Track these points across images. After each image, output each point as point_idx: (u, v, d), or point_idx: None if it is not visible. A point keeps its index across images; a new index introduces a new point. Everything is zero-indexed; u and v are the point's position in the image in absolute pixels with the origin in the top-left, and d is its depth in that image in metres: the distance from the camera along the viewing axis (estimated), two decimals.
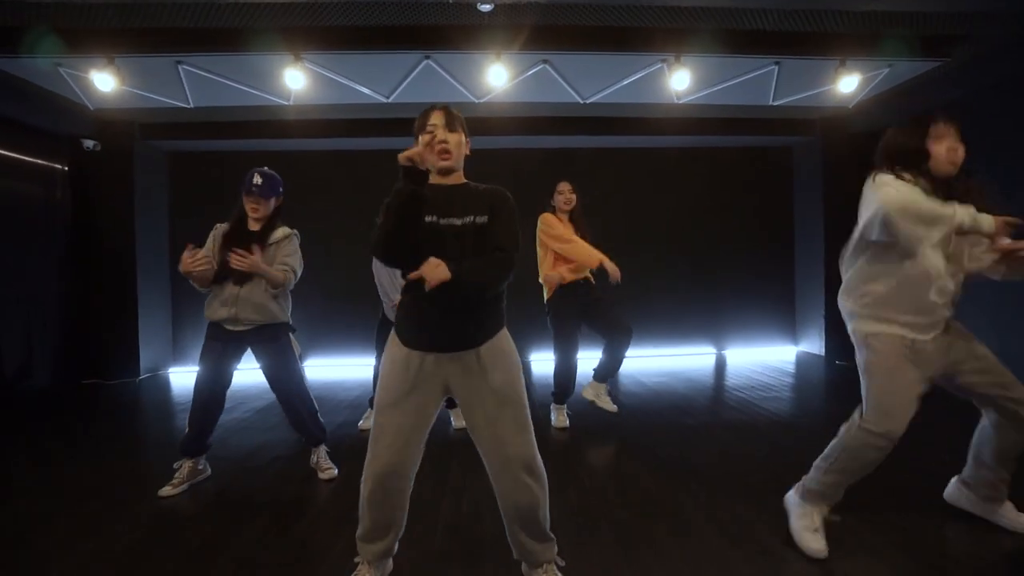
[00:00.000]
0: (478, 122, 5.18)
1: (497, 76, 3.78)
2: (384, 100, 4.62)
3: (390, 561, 1.67)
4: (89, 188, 5.28)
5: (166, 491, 2.43)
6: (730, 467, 2.65)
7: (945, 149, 1.69)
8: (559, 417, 3.43)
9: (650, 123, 5.36)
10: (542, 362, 5.80)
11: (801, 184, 6.09)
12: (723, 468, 2.64)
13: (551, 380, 3.47)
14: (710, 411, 3.80)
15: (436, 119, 1.55)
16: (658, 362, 5.77)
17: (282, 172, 5.19)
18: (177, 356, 5.91)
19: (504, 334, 1.59)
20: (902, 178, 1.70)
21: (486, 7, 3.19)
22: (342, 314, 5.71)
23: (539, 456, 1.54)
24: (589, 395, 3.47)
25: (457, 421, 3.38)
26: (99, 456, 3.06)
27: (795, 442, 3.01)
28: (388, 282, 3.03)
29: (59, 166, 5.15)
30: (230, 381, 2.57)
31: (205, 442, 2.57)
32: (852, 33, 3.82)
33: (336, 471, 2.64)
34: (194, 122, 5.16)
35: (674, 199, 6.15)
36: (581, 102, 4.76)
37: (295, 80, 3.72)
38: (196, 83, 4.19)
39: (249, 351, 2.55)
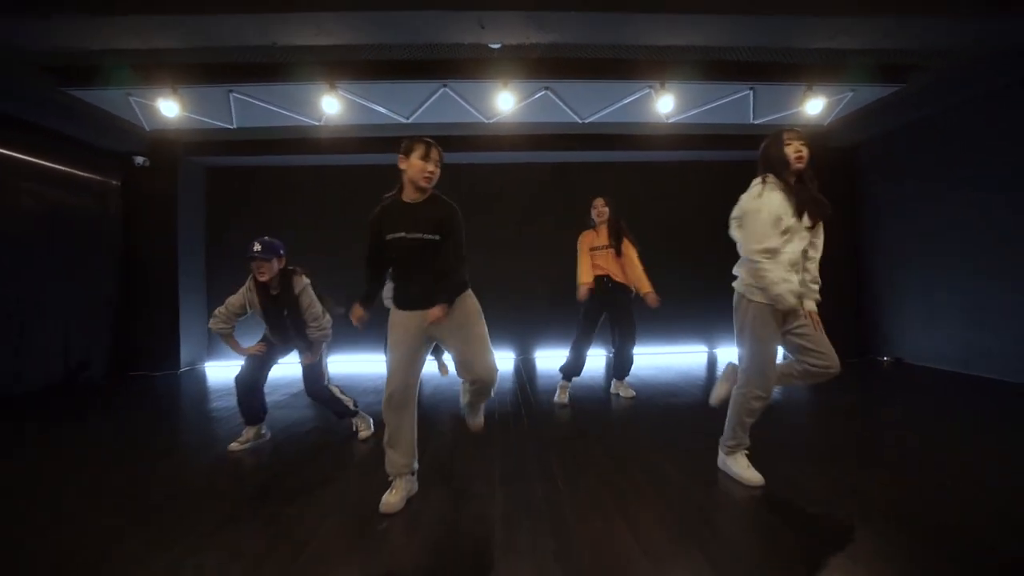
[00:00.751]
0: (490, 139, 5.78)
1: (505, 102, 4.34)
2: (404, 120, 5.20)
3: (415, 483, 2.24)
4: (138, 200, 5.90)
5: (233, 447, 2.96)
6: (706, 429, 3.13)
7: (793, 151, 2.21)
8: (561, 394, 3.99)
9: (643, 139, 5.90)
10: (545, 358, 6.31)
11: None
12: (701, 433, 3.12)
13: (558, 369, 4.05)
14: (695, 394, 4.27)
15: (436, 156, 2.13)
16: (653, 359, 6.23)
17: (311, 184, 5.97)
18: (212, 352, 6.47)
19: (464, 295, 2.19)
20: (767, 181, 2.25)
21: (495, 45, 3.75)
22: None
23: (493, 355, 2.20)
24: (615, 390, 4.21)
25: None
26: (157, 432, 3.59)
27: (767, 418, 3.48)
28: None
29: (113, 181, 5.78)
30: (269, 373, 3.17)
31: (259, 414, 3.10)
32: (816, 63, 4.34)
33: (371, 429, 3.21)
34: (232, 140, 5.77)
35: (668, 209, 6.66)
36: (580, 122, 5.32)
37: (331, 106, 4.31)
38: (242, 107, 4.80)
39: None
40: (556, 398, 3.97)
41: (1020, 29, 3.30)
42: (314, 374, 3.13)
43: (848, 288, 6.06)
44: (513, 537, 1.88)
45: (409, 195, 2.14)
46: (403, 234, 2.09)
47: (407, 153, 2.12)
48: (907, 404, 3.88)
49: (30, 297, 4.70)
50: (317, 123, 5.18)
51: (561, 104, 4.86)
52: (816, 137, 5.95)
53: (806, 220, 2.22)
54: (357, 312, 2.22)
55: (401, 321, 2.18)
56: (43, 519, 2.13)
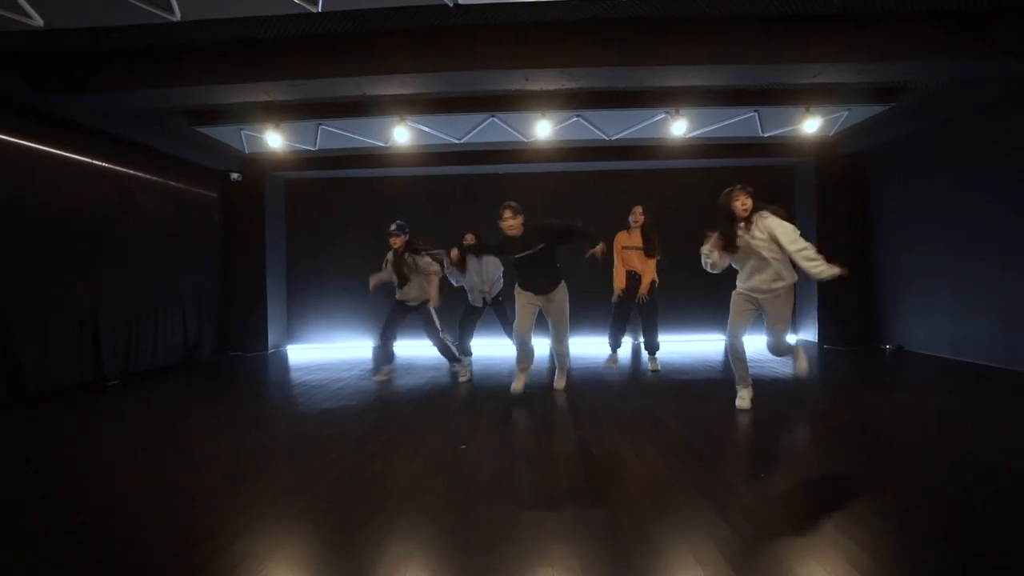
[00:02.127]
0: (529, 153, 6.65)
1: (543, 129, 5.21)
2: (456, 141, 6.13)
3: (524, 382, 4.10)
4: (233, 210, 7.06)
5: (379, 377, 4.80)
6: (722, 414, 3.97)
7: (739, 204, 3.30)
8: (609, 361, 5.18)
9: (665, 150, 6.63)
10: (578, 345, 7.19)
11: (800, 196, 7.20)
12: (717, 415, 3.95)
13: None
14: (711, 379, 5.07)
15: (506, 213, 3.83)
16: (678, 346, 7.02)
17: (374, 192, 7.07)
18: (292, 336, 7.63)
19: (563, 286, 3.96)
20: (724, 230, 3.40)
21: (536, 88, 4.61)
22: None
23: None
24: (648, 364, 5.21)
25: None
26: (258, 398, 4.68)
27: (772, 398, 4.27)
28: (477, 282, 4.98)
29: (213, 194, 6.95)
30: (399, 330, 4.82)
31: (391, 357, 4.85)
32: (812, 88, 5.01)
33: (469, 376, 4.83)
34: (310, 157, 6.84)
35: (693, 211, 7.33)
36: (607, 139, 6.13)
37: (401, 136, 5.27)
38: (326, 135, 5.84)
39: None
40: (608, 361, 5.20)
41: (967, 67, 3.94)
42: (431, 327, 4.70)
43: (855, 279, 6.63)
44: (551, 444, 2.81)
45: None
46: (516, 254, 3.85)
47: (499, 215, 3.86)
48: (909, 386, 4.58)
49: (158, 291, 5.90)
50: (384, 144, 6.17)
51: (590, 127, 5.69)
52: (825, 146, 6.55)
53: None
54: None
55: (525, 296, 3.92)
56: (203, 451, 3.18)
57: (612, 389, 4.49)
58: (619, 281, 4.90)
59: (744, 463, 2.73)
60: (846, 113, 5.39)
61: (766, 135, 6.06)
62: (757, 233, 3.28)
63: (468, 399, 4.19)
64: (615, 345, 5.15)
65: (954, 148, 5.38)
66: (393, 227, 4.55)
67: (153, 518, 2.12)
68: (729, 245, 3.36)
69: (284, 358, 6.84)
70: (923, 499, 2.14)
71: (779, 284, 3.37)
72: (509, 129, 5.72)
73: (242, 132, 5.66)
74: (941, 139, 5.51)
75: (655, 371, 5.06)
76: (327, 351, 7.32)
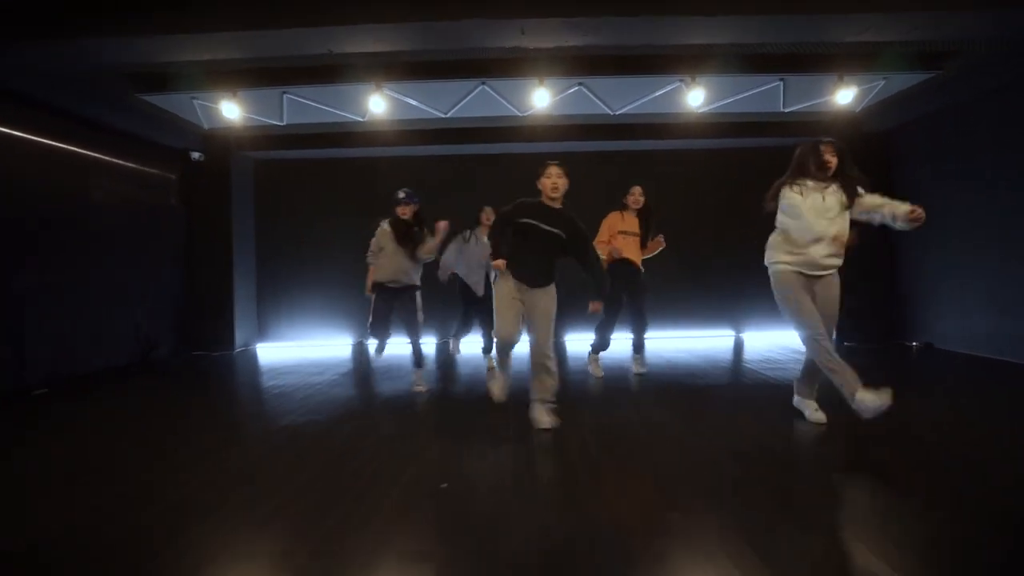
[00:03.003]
0: (527, 131, 6.00)
1: (540, 98, 4.55)
2: (442, 115, 5.46)
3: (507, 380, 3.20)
4: (194, 193, 6.34)
5: (417, 387, 4.09)
6: (727, 408, 3.38)
7: (824, 158, 2.78)
8: (594, 367, 4.47)
9: (673, 128, 6.02)
10: (572, 341, 6.60)
11: None
12: (721, 411, 3.37)
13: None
14: (718, 376, 4.49)
15: (554, 170, 2.95)
16: (681, 342, 6.46)
17: (352, 174, 6.36)
18: (263, 333, 6.95)
19: (552, 286, 3.00)
20: (797, 184, 2.84)
21: (533, 46, 3.95)
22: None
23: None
24: (634, 365, 4.56)
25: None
26: (229, 401, 4.03)
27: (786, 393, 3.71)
28: (465, 270, 4.66)
29: (171, 175, 6.22)
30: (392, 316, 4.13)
31: (384, 342, 4.19)
32: (849, 52, 4.40)
33: (424, 389, 4.05)
34: (281, 135, 6.13)
35: (698, 195, 6.78)
36: (611, 113, 5.48)
37: (378, 106, 4.59)
38: (292, 106, 5.14)
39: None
40: (590, 369, 4.46)
41: None
42: (414, 319, 4.06)
43: (879, 272, 6.10)
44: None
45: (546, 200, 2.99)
46: (537, 223, 2.91)
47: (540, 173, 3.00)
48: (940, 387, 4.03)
49: (107, 283, 5.19)
50: (361, 119, 5.48)
51: (594, 98, 5.04)
52: (848, 125, 5.97)
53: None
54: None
55: (512, 285, 2.95)
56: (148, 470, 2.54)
57: (618, 398, 3.89)
58: (608, 254, 4.17)
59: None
60: (882, 83, 4.79)
61: (787, 110, 5.46)
62: (829, 197, 2.78)
63: (453, 415, 3.57)
64: (602, 346, 4.45)
65: (991, 127, 4.83)
66: (402, 194, 3.95)
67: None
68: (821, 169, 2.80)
69: (253, 358, 6.18)
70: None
71: (838, 261, 2.83)
72: (502, 100, 5.06)
73: (196, 102, 4.94)
74: (976, 115, 4.95)
75: (639, 373, 4.46)
76: (301, 350, 6.66)
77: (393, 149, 6.36)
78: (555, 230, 2.90)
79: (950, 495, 2.08)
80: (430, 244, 3.91)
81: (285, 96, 4.85)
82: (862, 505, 2.13)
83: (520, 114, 5.44)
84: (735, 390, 4.06)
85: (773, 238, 3.02)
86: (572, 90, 4.81)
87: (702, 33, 3.64)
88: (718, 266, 6.75)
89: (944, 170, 5.43)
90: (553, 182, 2.91)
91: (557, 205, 2.95)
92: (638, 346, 4.50)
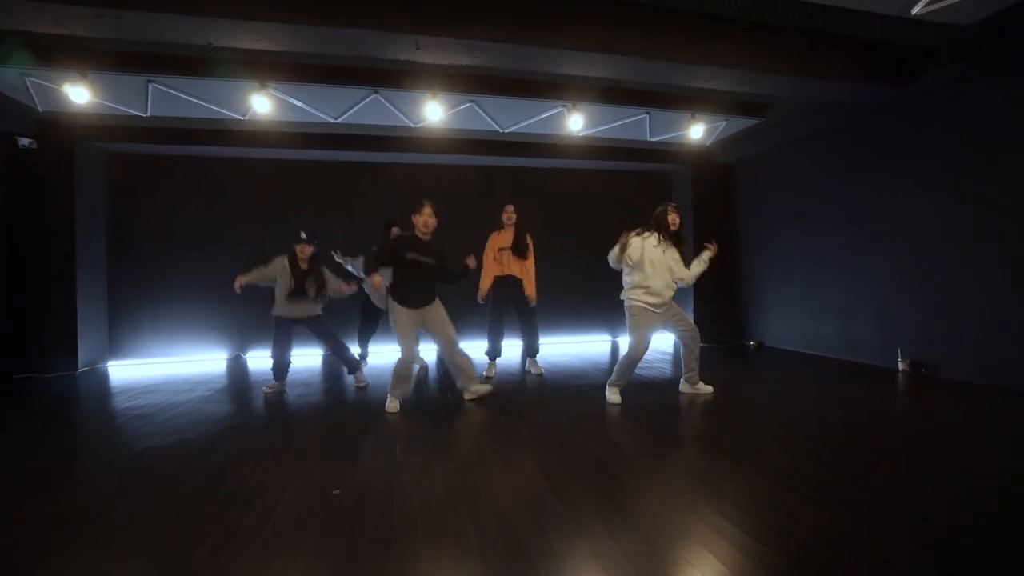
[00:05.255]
0: (418, 142, 6.08)
1: (433, 112, 4.69)
2: (332, 120, 5.34)
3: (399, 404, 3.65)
4: (26, 186, 5.41)
5: (266, 390, 4.34)
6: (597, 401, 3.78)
7: (671, 220, 3.71)
8: (489, 370, 4.77)
9: (557, 149, 6.53)
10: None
11: (676, 201, 7.58)
12: (594, 402, 3.75)
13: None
14: (597, 376, 4.95)
15: (427, 209, 3.56)
16: (563, 347, 6.93)
17: (229, 176, 6.10)
18: (115, 350, 6.10)
19: (437, 299, 3.66)
20: (647, 234, 3.75)
21: (427, 61, 4.09)
22: None
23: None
24: (529, 367, 4.98)
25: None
26: (60, 436, 3.53)
27: (644, 389, 4.23)
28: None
29: None
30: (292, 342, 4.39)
31: (285, 370, 4.36)
32: (700, 96, 5.21)
33: (367, 384, 4.50)
34: (141, 127, 5.49)
35: (579, 210, 7.39)
36: (501, 131, 5.81)
37: (261, 105, 4.37)
38: (160, 97, 4.67)
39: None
40: (486, 373, 4.70)
41: (825, 89, 4.33)
42: (328, 335, 4.34)
43: (726, 283, 7.15)
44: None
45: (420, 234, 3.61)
46: (418, 257, 3.54)
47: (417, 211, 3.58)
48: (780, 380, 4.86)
49: None
50: (242, 118, 5.15)
51: (484, 115, 5.31)
52: (701, 155, 6.97)
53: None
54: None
55: (406, 312, 3.56)
56: None
57: (515, 397, 4.13)
58: (485, 282, 4.65)
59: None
60: (724, 123, 5.71)
61: (654, 139, 6.23)
62: (669, 251, 3.68)
63: (340, 422, 3.51)
64: (494, 353, 4.83)
65: (804, 166, 6.02)
66: (304, 235, 4.17)
67: None
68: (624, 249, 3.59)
69: (102, 379, 5.39)
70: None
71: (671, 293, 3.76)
72: (394, 111, 5.11)
73: (28, 79, 4.25)
74: (792, 155, 6.13)
75: (539, 374, 4.87)
76: (166, 367, 5.96)
77: (276, 151, 6.04)
78: (431, 261, 3.56)
79: (765, 463, 2.59)
80: (336, 285, 4.27)
81: (151, 85, 4.40)
82: (696, 467, 2.56)
83: (412, 125, 5.52)
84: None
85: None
86: (464, 106, 5.02)
87: (581, 66, 4.07)
88: (595, 276, 7.39)
89: (770, 198, 6.59)
90: (425, 220, 3.51)
91: (428, 239, 3.56)
92: (531, 351, 4.88)
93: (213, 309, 6.18)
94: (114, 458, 2.82)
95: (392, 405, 3.61)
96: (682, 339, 3.84)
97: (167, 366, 5.99)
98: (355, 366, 4.48)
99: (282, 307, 4.19)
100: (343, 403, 3.99)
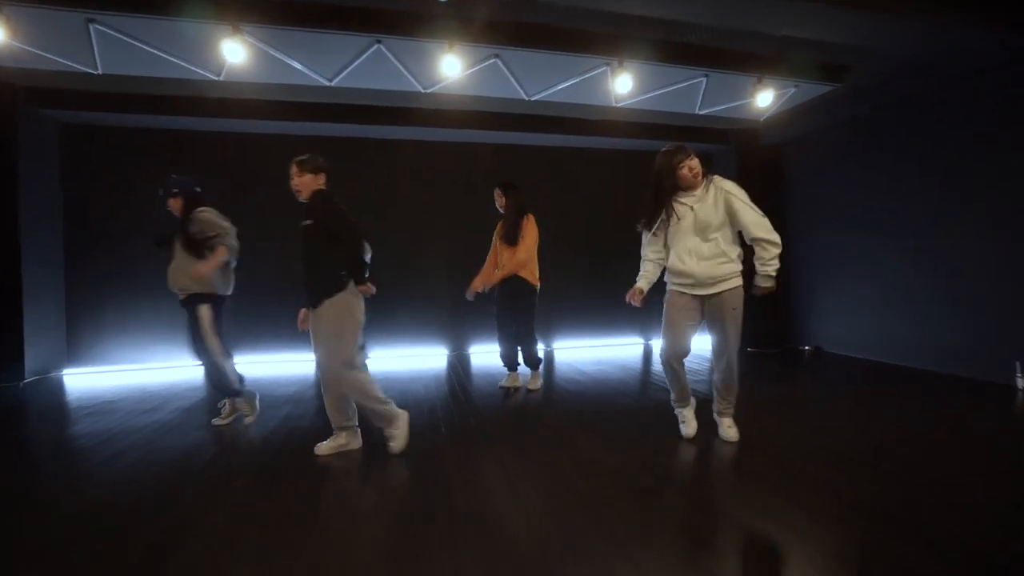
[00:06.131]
0: (429, 114, 5.18)
1: (450, 66, 3.79)
2: (326, 83, 4.43)
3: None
4: None
5: (217, 421, 3.29)
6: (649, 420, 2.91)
7: (687, 168, 2.62)
8: (508, 381, 4.15)
9: (588, 124, 5.64)
10: (480, 354, 5.90)
11: None
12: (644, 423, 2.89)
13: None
14: (641, 391, 4.09)
15: (293, 170, 2.65)
16: (593, 352, 6.07)
17: (205, 154, 5.04)
18: (72, 356, 5.22)
19: (331, 304, 2.52)
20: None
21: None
22: (272, 311, 5.38)
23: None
24: (524, 382, 4.18)
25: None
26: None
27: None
28: None
29: None
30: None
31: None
32: (767, 55, 4.30)
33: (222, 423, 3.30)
34: (99, 91, 4.59)
35: (611, 198, 6.50)
36: (526, 99, 4.90)
37: (234, 53, 3.46)
38: (109, 46, 3.74)
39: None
40: (506, 383, 4.13)
41: (957, 28, 3.43)
42: (198, 335, 3.11)
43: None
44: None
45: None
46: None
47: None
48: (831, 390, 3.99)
49: None
50: (216, 78, 4.24)
51: (509, 76, 4.39)
52: (749, 134, 6.08)
53: None
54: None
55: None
56: None
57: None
58: (476, 279, 4.01)
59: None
60: (793, 90, 4.81)
61: (701, 111, 5.33)
62: (707, 204, 2.62)
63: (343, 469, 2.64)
64: (510, 362, 4.10)
65: (870, 143, 5.16)
66: (162, 192, 3.14)
67: None
68: (652, 222, 2.73)
69: (53, 391, 4.53)
70: None
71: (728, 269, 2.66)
72: (401, 68, 4.19)
73: None
74: (861, 132, 5.25)
75: (531, 390, 4.04)
76: (131, 375, 5.10)
77: (261, 123, 5.14)
78: (307, 221, 2.57)
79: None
80: (202, 266, 2.98)
81: (93, 27, 3.48)
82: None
83: (422, 90, 4.61)
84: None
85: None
86: (487, 62, 4.11)
87: (639, 3, 3.18)
88: (625, 274, 6.50)
89: (829, 178, 5.71)
90: (292, 181, 2.65)
91: (304, 199, 2.65)
92: (527, 361, 4.06)
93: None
94: (13, 531, 1.94)
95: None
96: (712, 347, 2.76)
97: (134, 374, 5.12)
98: (232, 388, 3.25)
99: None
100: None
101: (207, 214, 3.07)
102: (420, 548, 1.78)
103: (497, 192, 3.93)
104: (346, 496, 2.25)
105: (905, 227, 4.85)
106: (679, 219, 2.63)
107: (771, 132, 5.97)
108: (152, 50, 3.79)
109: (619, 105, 5.07)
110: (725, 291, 2.63)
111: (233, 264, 3.20)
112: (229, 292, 3.22)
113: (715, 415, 2.89)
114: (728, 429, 2.81)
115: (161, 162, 5.27)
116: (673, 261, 2.68)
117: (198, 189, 3.16)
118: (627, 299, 2.81)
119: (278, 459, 2.68)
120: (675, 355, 2.72)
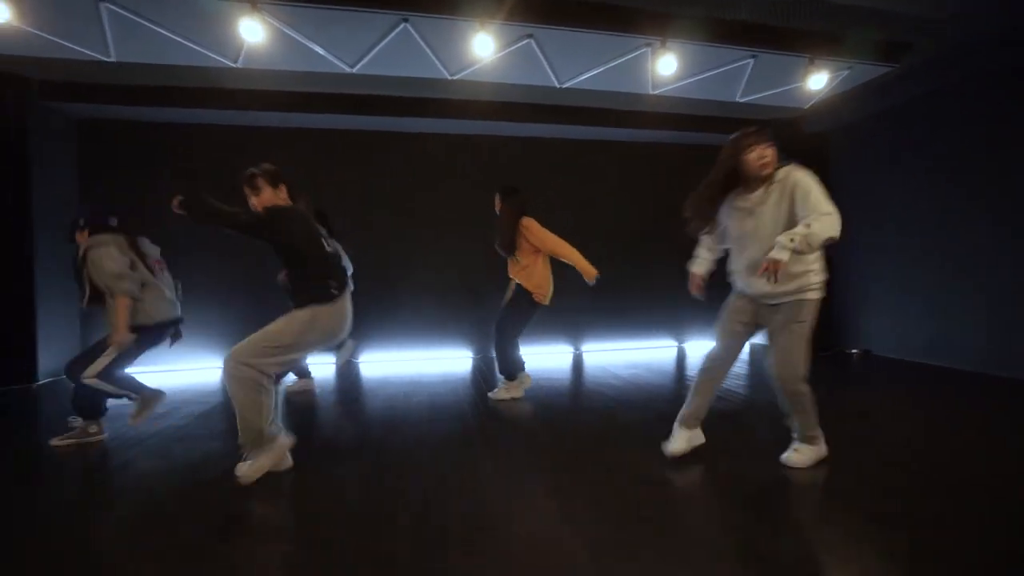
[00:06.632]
0: (454, 104, 4.95)
1: (483, 46, 3.52)
2: (348, 69, 4.20)
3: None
4: None
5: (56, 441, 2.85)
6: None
7: (755, 156, 2.15)
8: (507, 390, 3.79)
9: (622, 116, 5.35)
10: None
11: None
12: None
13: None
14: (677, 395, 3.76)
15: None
16: (627, 355, 5.77)
17: (222, 149, 4.72)
18: None
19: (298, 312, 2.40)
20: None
21: None
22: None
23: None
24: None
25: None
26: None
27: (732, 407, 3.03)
28: None
29: None
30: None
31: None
32: (820, 31, 3.97)
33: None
34: (106, 83, 4.42)
35: (644, 195, 6.20)
36: (557, 86, 4.62)
37: (252, 32, 3.24)
38: (123, 30, 3.55)
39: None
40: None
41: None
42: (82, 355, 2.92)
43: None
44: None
45: None
46: None
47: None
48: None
49: None
50: (233, 64, 4.03)
51: (542, 59, 4.11)
52: (791, 123, 5.73)
53: None
54: None
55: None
56: None
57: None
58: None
59: None
60: (847, 72, 4.45)
61: (743, 99, 5.00)
62: (768, 205, 2.16)
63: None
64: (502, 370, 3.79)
65: (927, 130, 4.80)
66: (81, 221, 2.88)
67: None
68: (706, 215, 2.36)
69: (66, 394, 4.33)
70: None
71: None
72: (428, 52, 3.94)
73: None
74: (915, 119, 4.90)
75: (510, 399, 3.72)
76: (149, 377, 4.87)
77: (279, 115, 4.94)
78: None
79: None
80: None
81: (103, 6, 3.28)
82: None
83: (448, 76, 4.36)
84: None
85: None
86: (521, 43, 3.83)
87: None
88: (658, 275, 6.19)
89: (877, 171, 5.35)
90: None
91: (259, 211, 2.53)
92: (501, 368, 3.74)
93: (213, 304, 5.12)
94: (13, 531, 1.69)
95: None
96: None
97: (153, 376, 4.92)
98: (90, 412, 2.99)
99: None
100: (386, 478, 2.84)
101: (97, 253, 2.72)
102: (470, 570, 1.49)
103: (497, 198, 3.64)
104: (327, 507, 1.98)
105: (959, 224, 4.51)
106: (735, 227, 2.28)
107: (819, 118, 5.63)
108: (167, 32, 3.58)
109: (656, 92, 4.76)
110: (784, 303, 2.23)
111: (169, 295, 3.07)
112: (170, 316, 3.07)
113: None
114: (791, 452, 2.38)
115: (177, 159, 5.10)
116: (732, 265, 2.39)
117: (112, 221, 2.90)
118: (689, 291, 2.54)
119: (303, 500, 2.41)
120: (714, 358, 2.43)
